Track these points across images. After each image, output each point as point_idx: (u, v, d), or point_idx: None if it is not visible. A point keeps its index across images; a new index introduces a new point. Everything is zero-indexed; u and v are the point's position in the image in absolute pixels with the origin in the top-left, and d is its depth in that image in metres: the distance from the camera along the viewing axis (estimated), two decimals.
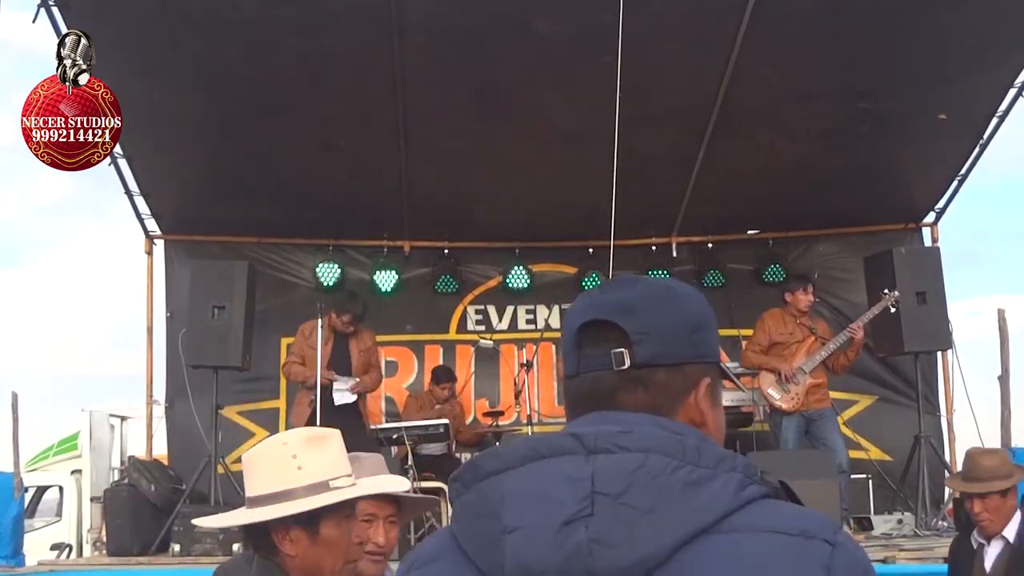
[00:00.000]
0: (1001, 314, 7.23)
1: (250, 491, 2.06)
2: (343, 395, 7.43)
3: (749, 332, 7.71)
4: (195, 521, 2.58)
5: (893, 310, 7.14)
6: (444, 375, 8.39)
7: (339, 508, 2.02)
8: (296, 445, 2.05)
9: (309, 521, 1.99)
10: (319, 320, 7.26)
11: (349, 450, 2.21)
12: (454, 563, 1.13)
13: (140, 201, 8.36)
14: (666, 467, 1.06)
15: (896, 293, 7.12)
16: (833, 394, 7.60)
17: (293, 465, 2.01)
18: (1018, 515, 3.94)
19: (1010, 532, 3.89)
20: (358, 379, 7.59)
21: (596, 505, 1.04)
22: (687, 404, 1.18)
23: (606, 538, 1.03)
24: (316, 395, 7.18)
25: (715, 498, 1.05)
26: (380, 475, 2.39)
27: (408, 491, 2.32)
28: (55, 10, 6.00)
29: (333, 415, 7.08)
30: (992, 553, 3.93)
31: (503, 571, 1.06)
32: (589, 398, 1.18)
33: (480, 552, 1.10)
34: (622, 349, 1.16)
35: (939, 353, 8.24)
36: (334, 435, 2.13)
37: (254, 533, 2.05)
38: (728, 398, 7.85)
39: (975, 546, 4.05)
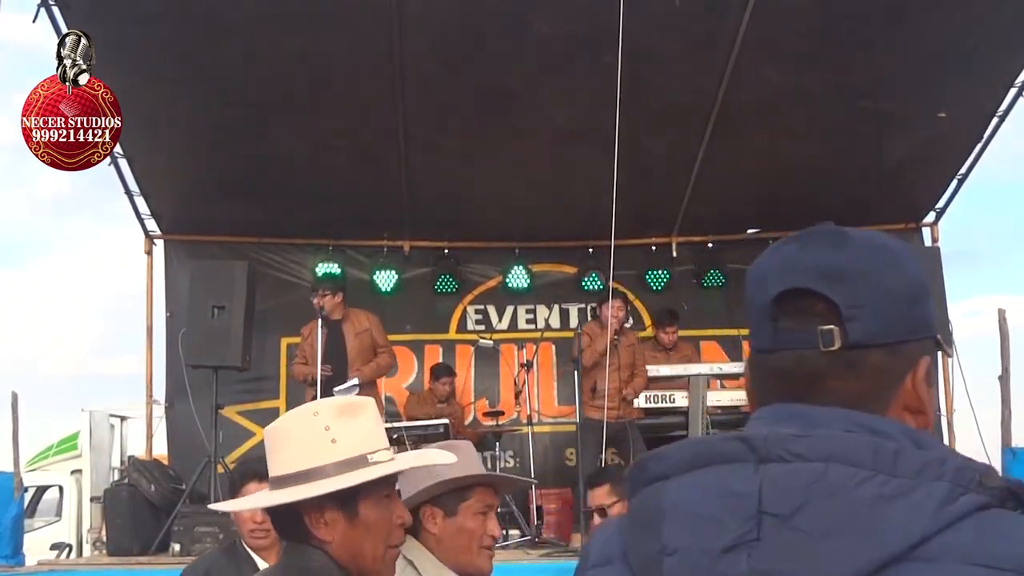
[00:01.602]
0: (1001, 314, 7.22)
1: (276, 469, 1.78)
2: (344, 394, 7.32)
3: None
4: (213, 506, 2.39)
5: None
6: (443, 371, 8.39)
7: (379, 486, 1.78)
8: (328, 416, 1.78)
9: (346, 501, 1.74)
10: (318, 320, 7.24)
11: None
12: (621, 573, 0.99)
13: (140, 201, 8.37)
14: (850, 479, 0.87)
15: None
16: None
17: (326, 438, 1.74)
18: None
19: None
20: (356, 381, 7.28)
21: (763, 528, 0.88)
22: (903, 389, 1.00)
23: (771, 570, 0.87)
24: (317, 393, 7.15)
25: (910, 516, 0.85)
26: (428, 449, 2.15)
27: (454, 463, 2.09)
28: (55, 10, 6.00)
29: None
30: None
31: None
32: (787, 380, 0.99)
33: (642, 571, 0.96)
34: (832, 326, 0.96)
35: (939, 353, 8.23)
36: (368, 404, 1.88)
37: (282, 518, 1.78)
38: (728, 398, 7.85)
39: None
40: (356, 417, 1.79)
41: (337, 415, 1.78)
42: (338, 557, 1.74)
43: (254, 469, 3.00)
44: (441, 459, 1.98)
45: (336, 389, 7.21)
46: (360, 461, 1.74)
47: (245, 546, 3.06)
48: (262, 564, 2.98)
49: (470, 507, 2.28)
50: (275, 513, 1.80)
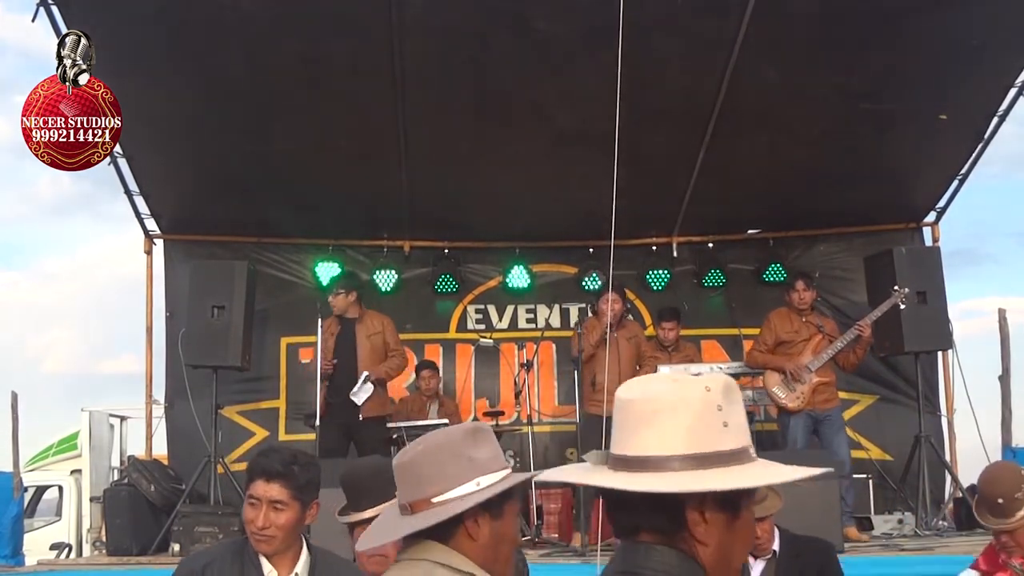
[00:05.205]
0: (1001, 314, 7.23)
1: (654, 446, 1.41)
2: (359, 395, 7.29)
3: (750, 331, 7.71)
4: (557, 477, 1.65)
5: (903, 307, 7.09)
6: (424, 365, 8.42)
7: (753, 490, 1.47)
8: (719, 394, 1.45)
9: (732, 501, 1.44)
10: (319, 320, 7.25)
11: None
12: None
13: (140, 201, 8.36)
14: None
15: (906, 289, 7.04)
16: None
17: (719, 420, 1.43)
18: (776, 529, 4.08)
19: (775, 546, 4.04)
20: (367, 374, 7.31)
21: None
22: None
23: None
24: (316, 390, 7.15)
25: None
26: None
27: None
28: (55, 10, 5.99)
29: (344, 409, 7.09)
30: (758, 568, 4.04)
31: None
32: None
33: None
34: None
35: (939, 353, 8.24)
36: (735, 386, 1.55)
37: (652, 506, 1.41)
38: None
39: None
40: (737, 402, 1.48)
41: (725, 395, 1.47)
42: (706, 564, 1.44)
43: (262, 466, 2.85)
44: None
45: (353, 392, 7.19)
46: (744, 454, 1.44)
47: (253, 550, 2.88)
48: (268, 568, 2.86)
49: (512, 508, 1.91)
50: (646, 500, 1.39)
